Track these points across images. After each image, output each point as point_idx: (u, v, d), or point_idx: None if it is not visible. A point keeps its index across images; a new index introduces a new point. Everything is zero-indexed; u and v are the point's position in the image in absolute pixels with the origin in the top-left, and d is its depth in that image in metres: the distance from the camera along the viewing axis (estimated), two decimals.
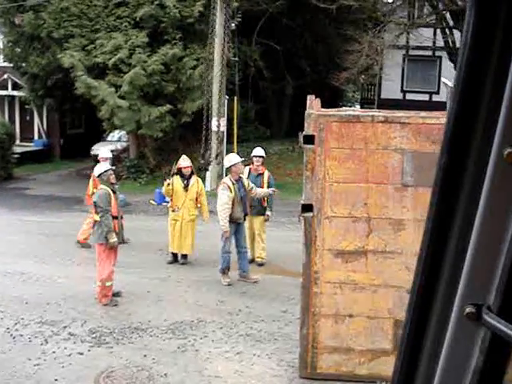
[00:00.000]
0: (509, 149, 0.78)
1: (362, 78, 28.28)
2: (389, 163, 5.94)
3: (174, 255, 11.04)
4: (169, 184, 10.63)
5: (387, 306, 6.16)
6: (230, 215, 9.56)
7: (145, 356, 7.12)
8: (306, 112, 6.00)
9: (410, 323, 0.92)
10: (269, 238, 11.02)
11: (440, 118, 6.08)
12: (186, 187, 10.64)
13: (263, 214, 10.81)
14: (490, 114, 0.81)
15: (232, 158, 10.12)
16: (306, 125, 5.97)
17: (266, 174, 11.01)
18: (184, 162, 10.79)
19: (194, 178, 10.84)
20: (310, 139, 5.96)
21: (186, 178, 10.68)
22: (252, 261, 10.74)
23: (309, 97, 6.16)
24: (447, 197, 0.87)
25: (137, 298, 9.10)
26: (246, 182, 10.00)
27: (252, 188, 9.98)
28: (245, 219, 10.02)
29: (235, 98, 19.69)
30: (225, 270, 9.83)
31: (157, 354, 7.17)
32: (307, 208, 6.03)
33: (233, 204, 9.57)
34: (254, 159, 10.81)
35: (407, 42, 26.52)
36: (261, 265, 10.82)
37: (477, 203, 0.83)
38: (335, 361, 6.33)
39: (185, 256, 11.00)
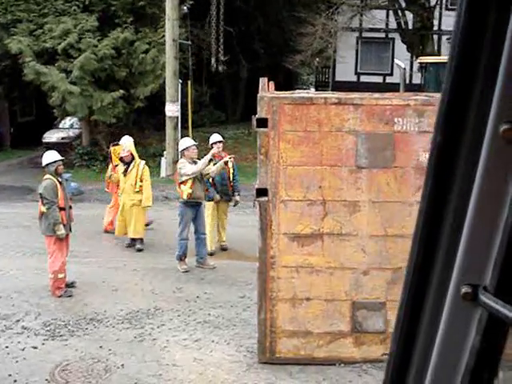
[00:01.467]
0: (505, 125, 0.77)
1: (316, 61, 28.24)
2: (343, 145, 5.90)
3: (133, 239, 11.17)
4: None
5: (344, 289, 6.16)
6: (190, 194, 9.45)
7: (101, 347, 6.98)
8: (259, 95, 5.91)
9: (405, 304, 0.91)
10: (235, 222, 11.04)
11: (392, 99, 6.07)
12: (125, 172, 10.90)
13: (229, 200, 10.76)
14: (485, 91, 0.79)
15: (185, 142, 10.04)
16: (258, 108, 5.88)
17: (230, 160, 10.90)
18: (123, 151, 11.05)
19: (135, 163, 10.92)
20: (263, 122, 5.87)
21: (126, 163, 10.96)
22: (222, 248, 10.83)
23: (261, 79, 6.07)
24: (442, 176, 0.85)
25: (92, 288, 8.92)
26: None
27: (208, 170, 9.86)
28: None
29: (189, 82, 19.42)
30: (181, 257, 9.72)
31: (113, 345, 7.03)
32: (262, 192, 5.96)
33: (193, 182, 9.49)
34: (215, 146, 10.52)
35: (360, 24, 26.58)
36: (225, 249, 10.89)
37: (472, 181, 0.81)
38: (294, 345, 6.32)
39: (134, 240, 11.11)
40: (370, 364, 6.31)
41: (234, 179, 10.74)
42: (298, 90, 8.22)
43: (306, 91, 8.67)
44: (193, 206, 9.61)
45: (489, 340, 0.83)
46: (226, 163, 10.27)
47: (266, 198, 5.95)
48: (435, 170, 0.85)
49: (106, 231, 12.14)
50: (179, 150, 10.33)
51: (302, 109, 5.87)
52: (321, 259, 6.09)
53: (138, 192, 10.79)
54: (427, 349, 0.90)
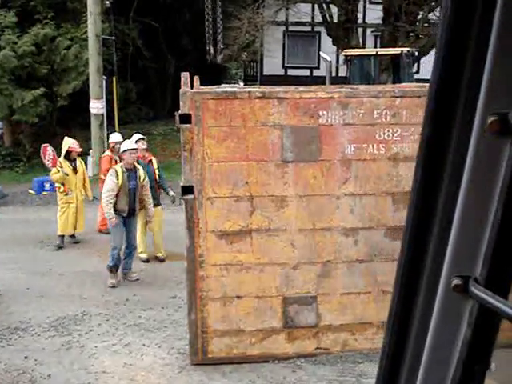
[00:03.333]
0: (492, 117, 0.77)
1: (244, 55, 28.19)
2: (268, 140, 5.82)
3: (62, 237, 11.10)
4: (58, 170, 10.80)
5: (275, 285, 6.10)
6: (114, 205, 8.78)
7: (26, 358, 6.66)
8: (181, 90, 5.75)
9: (397, 297, 0.92)
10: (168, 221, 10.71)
11: (317, 92, 6.03)
12: (74, 169, 10.98)
13: (159, 204, 10.14)
14: (472, 83, 0.79)
15: (124, 144, 9.32)
16: (181, 103, 5.72)
17: (154, 160, 10.32)
18: (74, 144, 11.14)
19: (78, 160, 11.24)
20: (186, 118, 5.72)
21: (73, 161, 11.01)
22: (160, 259, 10.09)
23: (183, 74, 5.91)
24: (431, 169, 0.85)
25: (16, 296, 8.53)
26: (142, 174, 9.09)
27: (145, 182, 9.14)
28: (132, 214, 9.04)
29: (114, 78, 18.96)
30: (112, 269, 8.93)
31: (39, 355, 6.73)
32: (188, 190, 5.81)
33: (118, 193, 8.78)
34: (138, 144, 9.90)
35: (286, 17, 26.71)
36: (163, 260, 10.10)
37: (461, 174, 0.82)
38: (226, 344, 6.21)
39: (73, 236, 11.23)
40: (304, 359, 6.28)
41: (159, 179, 10.18)
42: (223, 85, 8.09)
43: (231, 86, 8.54)
44: (119, 215, 8.91)
45: (480, 331, 0.83)
46: (150, 161, 9.86)
47: (191, 196, 5.81)
48: (424, 162, 0.85)
49: (101, 231, 11.74)
50: (121, 151, 9.44)
51: (226, 103, 5.75)
52: (250, 256, 5.99)
53: (85, 187, 11.31)
54: (420, 341, 0.90)
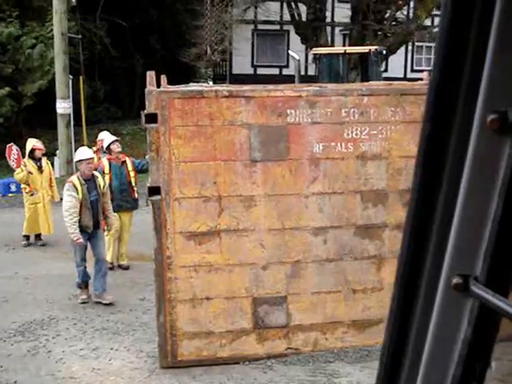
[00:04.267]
0: (492, 115, 0.76)
1: (213, 54, 28.05)
2: (236, 139, 5.76)
3: (27, 237, 11.07)
4: (22, 170, 10.66)
5: (244, 285, 6.04)
6: (78, 221, 7.92)
7: None
8: (146, 89, 5.66)
9: (398, 296, 0.91)
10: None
11: (284, 91, 5.98)
12: (40, 169, 10.82)
13: (133, 208, 9.59)
14: (473, 80, 0.79)
15: (80, 153, 8.37)
16: (147, 103, 5.63)
17: (128, 160, 9.50)
18: (38, 143, 11.04)
19: (44, 160, 11.08)
20: (152, 118, 5.62)
21: (38, 160, 10.84)
22: (123, 267, 9.56)
23: (148, 73, 5.81)
24: (431, 167, 0.85)
25: None
26: (101, 182, 8.31)
27: (106, 189, 8.41)
28: (97, 227, 8.24)
29: (81, 77, 18.69)
30: (81, 286, 8.22)
31: (5, 361, 6.56)
32: (154, 191, 5.72)
33: (80, 208, 7.92)
34: (112, 146, 9.28)
35: (255, 16, 26.67)
36: (126, 269, 9.58)
37: (461, 172, 0.82)
38: (196, 346, 6.13)
39: (40, 238, 11.13)
40: (275, 359, 6.24)
41: (141, 167, 9.41)
42: (191, 84, 8.00)
43: (199, 84, 8.46)
44: (85, 232, 8.03)
45: (480, 330, 0.83)
46: (124, 163, 9.22)
47: (159, 197, 5.71)
48: (424, 160, 0.85)
49: None
50: (75, 160, 8.69)
51: (193, 103, 5.67)
52: (219, 257, 5.93)
53: (51, 187, 11.18)
54: (420, 340, 0.90)
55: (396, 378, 0.94)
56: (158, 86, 7.40)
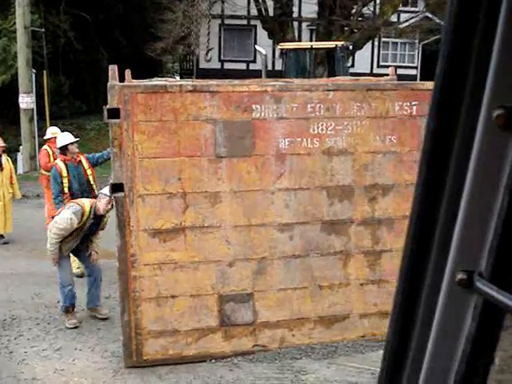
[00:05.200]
0: (498, 110, 0.76)
1: (180, 49, 27.81)
2: (201, 134, 5.67)
3: None
4: None
5: (210, 282, 5.96)
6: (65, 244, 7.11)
7: None
8: (109, 84, 5.53)
9: (401, 291, 0.92)
10: None
11: (250, 86, 5.92)
12: (0, 166, 10.64)
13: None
14: (478, 76, 0.79)
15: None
16: (109, 97, 5.50)
17: (83, 158, 8.74)
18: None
19: (4, 157, 10.84)
20: (114, 113, 5.50)
21: None
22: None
23: (111, 67, 5.68)
24: (436, 163, 0.85)
25: None
26: (105, 219, 7.45)
27: (104, 226, 7.56)
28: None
29: (44, 72, 18.33)
30: (68, 309, 7.31)
31: None
32: (118, 188, 5.60)
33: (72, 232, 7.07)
34: (71, 147, 8.50)
35: (222, 11, 26.51)
36: (80, 276, 8.48)
37: (466, 168, 0.81)
38: (161, 345, 6.04)
39: (1, 236, 10.94)
40: (241, 357, 6.18)
41: (97, 160, 8.86)
42: (155, 78, 7.89)
43: (164, 79, 8.33)
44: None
45: (485, 326, 0.83)
46: (79, 162, 8.46)
47: (122, 194, 5.60)
48: (429, 156, 0.85)
49: None
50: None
51: (156, 97, 5.56)
52: (184, 254, 5.84)
53: (12, 185, 10.95)
54: (423, 336, 0.90)
55: (399, 374, 0.95)
56: (123, 80, 7.28)
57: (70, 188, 8.35)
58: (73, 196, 8.22)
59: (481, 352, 0.85)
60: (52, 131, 10.35)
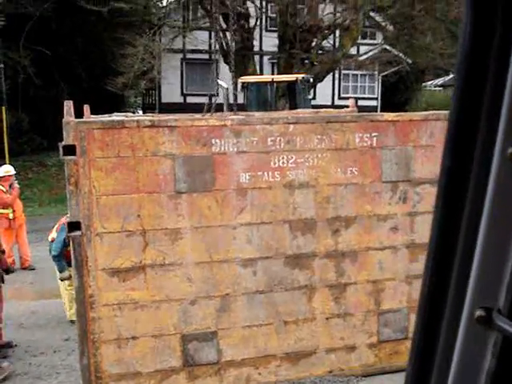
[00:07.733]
0: None
1: (143, 83, 27.75)
2: (160, 170, 5.56)
3: None
4: None
5: (172, 322, 5.79)
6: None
7: None
8: (64, 120, 5.40)
9: (420, 328, 0.92)
10: (44, 258, 10.03)
11: (209, 120, 5.85)
12: None
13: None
14: (492, 113, 0.80)
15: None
16: (64, 134, 5.37)
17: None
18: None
19: None
20: (70, 150, 5.36)
21: None
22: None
23: (66, 103, 5.57)
24: (452, 199, 0.85)
25: None
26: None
27: None
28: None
29: (3, 107, 18.04)
30: None
31: None
32: (74, 226, 5.43)
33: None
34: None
35: (184, 45, 26.62)
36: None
37: (482, 204, 0.82)
38: None
39: None
40: None
41: None
42: (114, 113, 7.75)
43: (124, 114, 8.24)
44: None
45: (504, 363, 0.83)
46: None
47: (79, 232, 5.43)
48: (445, 194, 0.86)
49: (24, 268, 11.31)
50: None
51: (113, 133, 5.45)
52: (145, 293, 5.67)
53: None
54: (444, 373, 0.90)
55: None
56: (82, 116, 7.14)
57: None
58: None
59: None
60: (5, 170, 11.04)
